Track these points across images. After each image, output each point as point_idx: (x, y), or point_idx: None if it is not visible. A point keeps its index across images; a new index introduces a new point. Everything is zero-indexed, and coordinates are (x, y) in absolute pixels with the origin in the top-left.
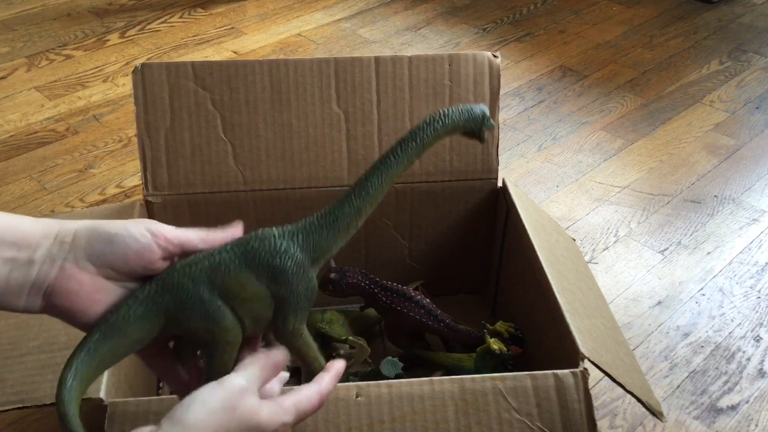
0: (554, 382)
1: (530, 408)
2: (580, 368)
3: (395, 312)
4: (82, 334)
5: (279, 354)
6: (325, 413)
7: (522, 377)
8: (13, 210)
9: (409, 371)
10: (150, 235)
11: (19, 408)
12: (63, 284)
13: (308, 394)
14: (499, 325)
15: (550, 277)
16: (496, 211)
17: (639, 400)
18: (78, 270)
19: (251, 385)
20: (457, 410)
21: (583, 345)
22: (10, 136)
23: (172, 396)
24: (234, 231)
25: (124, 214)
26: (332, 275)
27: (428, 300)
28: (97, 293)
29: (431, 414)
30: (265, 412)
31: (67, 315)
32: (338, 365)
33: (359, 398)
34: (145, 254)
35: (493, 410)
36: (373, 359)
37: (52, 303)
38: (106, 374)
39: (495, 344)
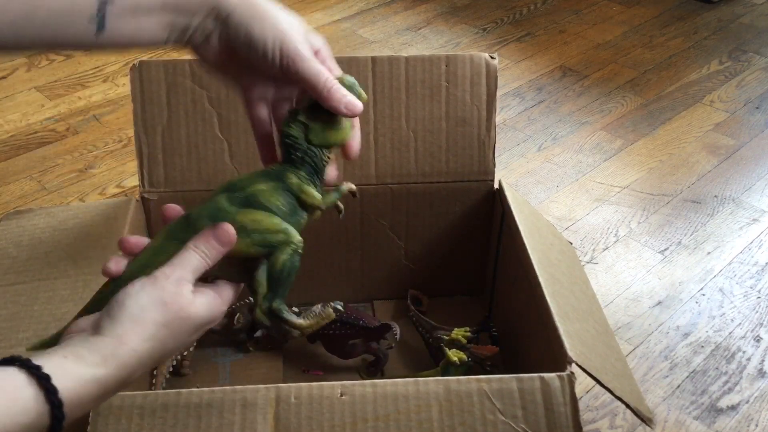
0: (540, 385)
1: (515, 410)
2: (567, 372)
3: (323, 336)
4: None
5: (222, 231)
6: (309, 411)
7: (508, 380)
8: (14, 208)
9: None
10: (279, 58)
11: None
12: (204, 50)
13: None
14: (455, 333)
15: (541, 280)
16: (493, 213)
17: (627, 405)
18: (219, 45)
19: (185, 274)
20: (442, 410)
21: (571, 349)
22: (10, 136)
23: (158, 392)
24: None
25: (119, 210)
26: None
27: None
28: (230, 66)
29: (415, 414)
30: (199, 305)
31: (207, 67)
32: None
33: (343, 397)
34: (265, 68)
35: (478, 411)
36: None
37: (198, 55)
38: None
39: (454, 355)
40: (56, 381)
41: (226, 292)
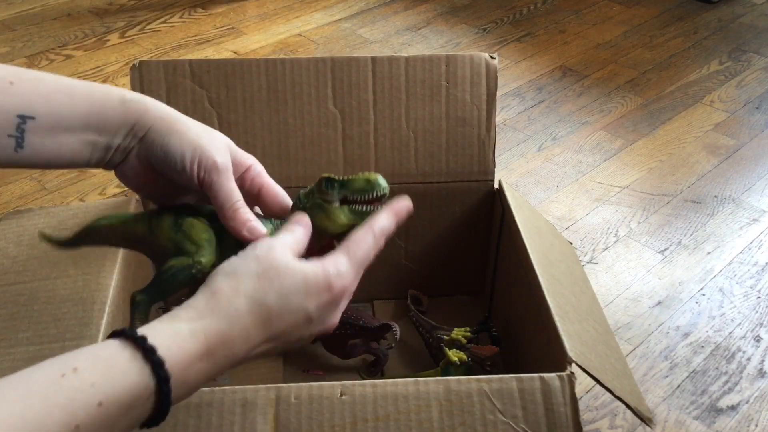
0: (540, 385)
1: (515, 410)
2: (567, 372)
3: (323, 336)
4: (69, 329)
5: (301, 216)
6: (309, 411)
7: (508, 380)
8: (14, 208)
9: None
10: (195, 171)
11: None
12: (124, 169)
13: (357, 239)
14: (455, 333)
15: (541, 280)
16: (493, 213)
17: (627, 405)
18: (138, 162)
19: (278, 240)
20: (442, 410)
21: (571, 349)
22: None
23: None
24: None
25: (119, 210)
26: None
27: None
28: (148, 183)
29: (415, 414)
30: (302, 262)
31: (128, 186)
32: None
33: (343, 397)
34: (183, 182)
35: (478, 411)
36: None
37: (117, 176)
38: None
39: (454, 355)
40: (153, 340)
41: (343, 258)
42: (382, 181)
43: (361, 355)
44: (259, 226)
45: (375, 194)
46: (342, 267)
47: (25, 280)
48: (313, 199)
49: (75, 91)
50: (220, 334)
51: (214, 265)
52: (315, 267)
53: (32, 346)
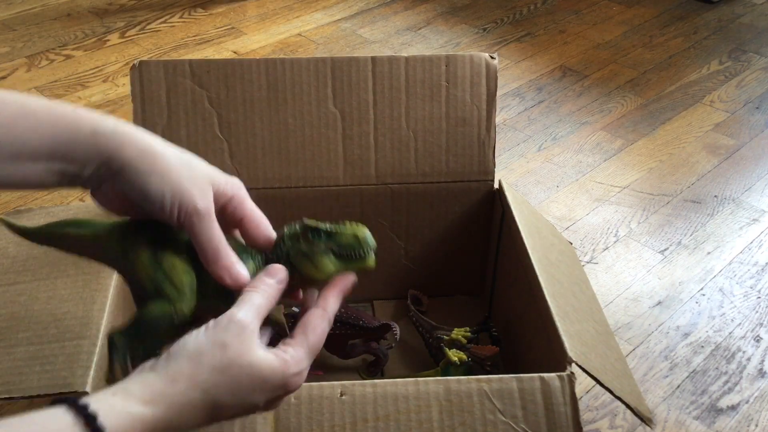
0: (540, 385)
1: (515, 410)
2: (567, 372)
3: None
4: (69, 329)
5: (278, 270)
6: (309, 411)
7: (508, 380)
8: (14, 208)
9: None
10: (176, 215)
11: (5, 399)
12: (98, 197)
13: (313, 325)
14: (455, 333)
15: (541, 280)
16: (492, 213)
17: (627, 405)
18: (112, 191)
19: (249, 315)
20: (442, 410)
21: (571, 349)
22: None
23: None
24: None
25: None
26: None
27: (342, 310)
28: (125, 208)
29: (415, 414)
30: (264, 356)
31: (103, 209)
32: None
33: (343, 397)
34: (163, 220)
35: (478, 411)
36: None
37: (92, 198)
38: (92, 367)
39: (454, 355)
40: (104, 419)
41: (299, 355)
42: (371, 240)
43: (361, 355)
44: (243, 272)
45: (363, 251)
46: (302, 364)
47: (25, 280)
48: (298, 245)
49: (41, 117)
50: (169, 424)
51: (195, 307)
52: (275, 367)
53: (32, 346)
